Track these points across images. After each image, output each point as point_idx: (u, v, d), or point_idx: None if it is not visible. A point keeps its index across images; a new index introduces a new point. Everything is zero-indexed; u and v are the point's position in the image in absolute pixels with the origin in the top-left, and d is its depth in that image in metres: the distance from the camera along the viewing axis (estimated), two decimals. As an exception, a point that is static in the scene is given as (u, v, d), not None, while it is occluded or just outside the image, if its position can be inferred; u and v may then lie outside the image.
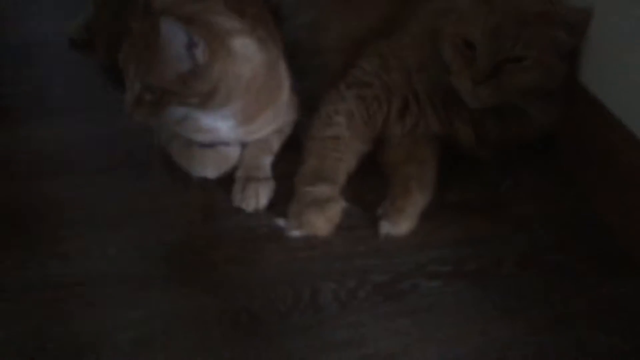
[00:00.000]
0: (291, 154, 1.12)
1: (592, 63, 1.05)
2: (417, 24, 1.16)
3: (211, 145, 1.09)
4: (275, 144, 1.14)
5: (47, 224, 1.04)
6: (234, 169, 1.10)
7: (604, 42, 1.02)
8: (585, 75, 1.07)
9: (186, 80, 0.94)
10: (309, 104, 1.16)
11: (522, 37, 1.01)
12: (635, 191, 0.96)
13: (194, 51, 0.92)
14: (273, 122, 1.11)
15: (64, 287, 0.94)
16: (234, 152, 1.11)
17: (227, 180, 1.09)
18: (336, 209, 1.02)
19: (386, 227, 1.01)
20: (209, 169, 1.09)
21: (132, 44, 0.96)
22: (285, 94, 1.11)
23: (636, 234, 0.97)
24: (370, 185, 1.10)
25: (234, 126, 1.06)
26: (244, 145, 1.12)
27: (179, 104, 0.97)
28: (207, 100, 0.97)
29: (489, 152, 1.13)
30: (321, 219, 1.00)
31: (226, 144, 1.10)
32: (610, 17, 1.00)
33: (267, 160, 1.12)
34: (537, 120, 1.08)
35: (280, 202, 1.06)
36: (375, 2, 1.25)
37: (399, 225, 1.01)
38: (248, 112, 1.04)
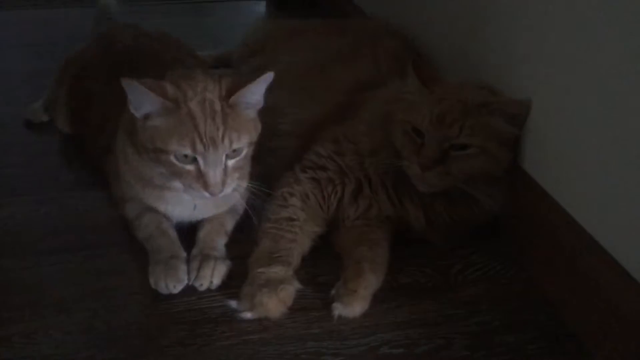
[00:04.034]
0: (245, 236, 1.13)
1: (532, 151, 1.11)
2: (369, 111, 1.22)
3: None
4: (229, 225, 1.15)
5: (-10, 306, 1.01)
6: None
7: (542, 131, 1.08)
8: (527, 162, 1.12)
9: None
10: (265, 186, 1.18)
11: (466, 126, 1.06)
12: (579, 275, 0.99)
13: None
14: (230, 201, 1.12)
15: (3, 373, 0.90)
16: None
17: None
18: (289, 291, 1.02)
19: (339, 309, 1.00)
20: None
21: (201, 121, 0.96)
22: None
23: (582, 316, 0.99)
24: (323, 267, 1.11)
25: (199, 196, 1.03)
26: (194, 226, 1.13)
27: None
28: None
29: (440, 235, 1.15)
30: (274, 300, 0.99)
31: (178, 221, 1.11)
32: (549, 107, 1.06)
33: (222, 242, 1.12)
34: (485, 204, 1.12)
35: (233, 284, 1.05)
36: (330, 91, 1.31)
37: (351, 307, 1.01)
38: None
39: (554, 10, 1.03)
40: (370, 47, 1.40)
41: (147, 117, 0.98)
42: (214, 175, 0.97)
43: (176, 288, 1.03)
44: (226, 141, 0.97)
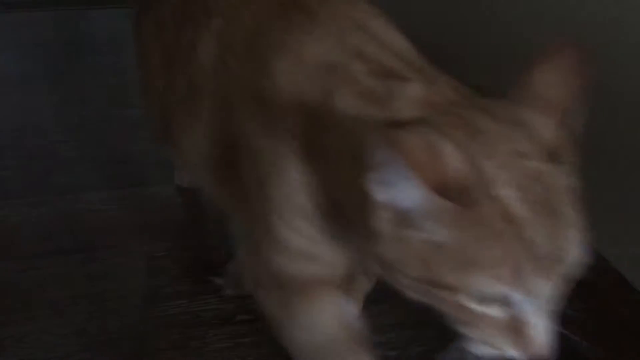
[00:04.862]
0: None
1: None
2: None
3: None
4: None
5: (-18, 310, 1.01)
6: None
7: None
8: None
9: None
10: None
11: None
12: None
13: None
14: None
15: (-5, 377, 0.90)
16: None
17: (173, 265, 1.08)
18: None
19: (332, 311, 1.00)
20: None
21: (529, 225, 0.49)
22: None
23: (580, 317, 0.99)
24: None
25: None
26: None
27: None
28: None
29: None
30: None
31: None
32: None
33: None
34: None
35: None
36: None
37: (345, 309, 1.01)
38: None
39: (551, 9, 1.03)
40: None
41: (408, 217, 0.51)
42: (546, 328, 0.52)
43: None
44: (575, 254, 0.50)
